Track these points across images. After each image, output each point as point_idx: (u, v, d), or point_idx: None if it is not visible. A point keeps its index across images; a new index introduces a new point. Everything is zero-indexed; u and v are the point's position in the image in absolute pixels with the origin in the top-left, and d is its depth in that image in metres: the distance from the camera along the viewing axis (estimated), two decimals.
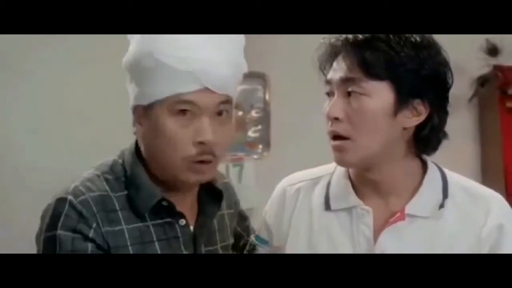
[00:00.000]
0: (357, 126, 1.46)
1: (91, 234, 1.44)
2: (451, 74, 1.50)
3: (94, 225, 1.44)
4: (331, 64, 1.50)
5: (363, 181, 1.54)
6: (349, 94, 1.46)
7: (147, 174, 1.52)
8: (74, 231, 1.43)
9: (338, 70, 1.48)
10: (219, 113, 1.49)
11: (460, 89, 3.43)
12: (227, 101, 1.50)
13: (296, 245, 1.57)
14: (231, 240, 1.69)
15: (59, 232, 1.43)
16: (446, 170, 1.57)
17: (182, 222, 1.53)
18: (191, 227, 1.55)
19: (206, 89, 1.46)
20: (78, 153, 2.77)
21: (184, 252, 1.52)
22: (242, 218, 1.80)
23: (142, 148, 1.54)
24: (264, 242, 1.65)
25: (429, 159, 1.56)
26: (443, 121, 1.51)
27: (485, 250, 1.46)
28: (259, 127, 3.61)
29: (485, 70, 3.71)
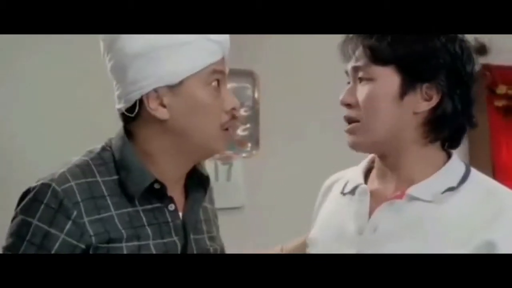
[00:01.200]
0: (366, 109, 1.51)
1: (67, 226, 1.42)
2: (470, 55, 1.50)
3: (74, 214, 1.42)
4: (352, 55, 1.55)
5: (379, 170, 1.60)
6: (360, 80, 1.53)
7: (139, 158, 1.51)
8: (50, 224, 1.42)
9: (352, 59, 1.54)
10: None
11: None
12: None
13: (314, 228, 1.70)
14: (215, 233, 1.69)
15: (35, 223, 1.42)
16: (475, 170, 1.55)
17: (172, 207, 1.53)
18: (180, 213, 1.55)
19: (223, 59, 1.53)
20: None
21: (175, 238, 1.52)
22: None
23: (144, 133, 1.52)
24: None
25: (455, 155, 1.56)
26: (458, 108, 1.50)
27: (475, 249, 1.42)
28: (248, 125, 3.61)
29: None
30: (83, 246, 1.42)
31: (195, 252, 1.56)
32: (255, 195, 3.48)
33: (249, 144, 3.61)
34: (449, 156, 1.57)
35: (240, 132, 3.60)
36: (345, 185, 1.66)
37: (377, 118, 1.50)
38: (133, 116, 1.50)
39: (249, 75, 3.58)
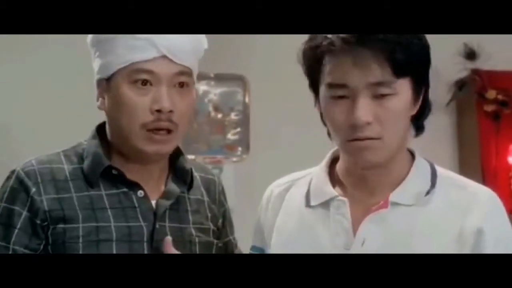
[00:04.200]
0: (388, 126, 1.42)
1: (28, 203, 1.50)
2: None
3: (33, 191, 1.50)
4: (323, 65, 1.44)
5: (349, 174, 1.52)
6: (376, 96, 1.41)
7: (102, 146, 1.57)
8: (14, 202, 1.51)
9: (360, 72, 1.40)
10: (180, 85, 1.54)
11: (438, 93, 3.45)
12: (186, 72, 1.54)
13: (277, 245, 1.55)
14: (212, 227, 1.69)
15: (3, 204, 1.52)
16: (437, 166, 1.55)
17: (141, 193, 1.56)
18: (153, 201, 1.57)
19: (164, 58, 1.51)
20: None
21: (142, 223, 1.54)
22: (230, 223, 1.82)
23: (107, 123, 1.60)
24: (260, 250, 1.62)
25: (417, 152, 1.54)
26: (428, 98, 1.51)
27: (469, 243, 1.44)
28: (238, 129, 3.61)
29: (463, 74, 3.73)
30: (38, 222, 1.49)
31: (170, 239, 1.54)
32: (246, 199, 3.47)
33: (239, 148, 3.61)
34: (411, 153, 1.54)
35: (230, 136, 3.60)
36: (308, 195, 1.55)
37: (398, 133, 1.45)
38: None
39: (239, 80, 3.58)
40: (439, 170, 1.54)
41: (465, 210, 1.46)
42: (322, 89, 1.47)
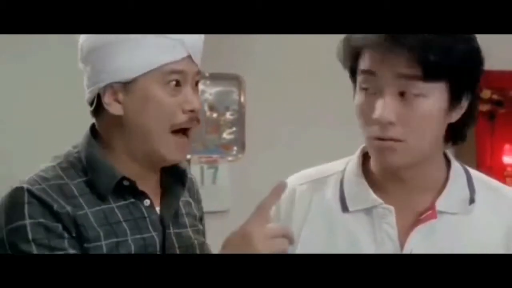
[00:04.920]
0: (414, 129, 1.36)
1: (56, 217, 1.40)
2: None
3: (56, 206, 1.41)
4: (360, 57, 1.39)
5: (389, 178, 1.45)
6: (401, 93, 1.36)
7: (105, 155, 1.50)
8: (44, 217, 1.40)
9: (390, 63, 1.34)
10: (196, 84, 1.53)
11: None
12: (200, 71, 1.53)
13: (314, 247, 1.46)
14: (200, 227, 1.67)
15: (28, 221, 1.39)
16: (466, 166, 1.52)
17: (147, 202, 1.51)
18: (157, 208, 1.54)
19: (188, 58, 1.48)
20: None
21: (153, 233, 1.50)
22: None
23: (106, 129, 1.51)
24: None
25: (450, 154, 1.51)
26: (476, 108, 1.45)
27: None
28: (234, 129, 3.61)
29: None
30: (74, 235, 1.41)
31: (176, 246, 1.54)
32: (241, 198, 3.48)
33: (235, 148, 3.61)
34: (445, 156, 1.50)
35: (226, 135, 3.60)
36: (343, 199, 1.48)
37: (425, 138, 1.38)
38: (95, 110, 1.51)
39: (235, 79, 3.58)
40: (471, 171, 1.51)
41: (506, 214, 1.45)
42: (357, 80, 1.42)
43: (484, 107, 3.76)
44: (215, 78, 3.51)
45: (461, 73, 1.37)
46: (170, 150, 1.49)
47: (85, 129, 1.56)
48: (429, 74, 1.33)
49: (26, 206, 1.40)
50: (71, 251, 1.40)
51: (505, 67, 3.68)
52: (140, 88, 1.47)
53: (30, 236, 1.39)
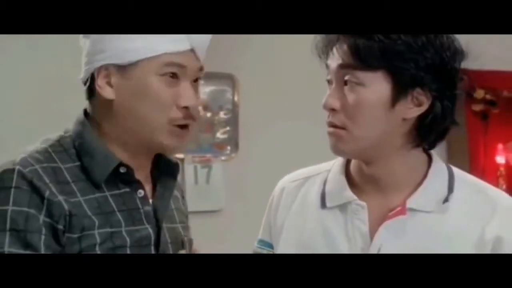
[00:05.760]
0: (353, 117, 1.41)
1: (44, 206, 1.35)
2: (457, 56, 1.45)
3: (47, 193, 1.35)
4: (331, 49, 1.45)
5: (363, 177, 1.49)
6: (345, 83, 1.41)
7: (98, 140, 1.45)
8: (28, 205, 1.34)
9: (336, 56, 1.43)
10: (195, 80, 1.48)
11: None
12: (202, 68, 1.49)
13: (287, 245, 1.54)
14: (187, 224, 1.64)
15: (12, 208, 1.33)
16: (455, 168, 1.53)
17: (141, 193, 1.47)
18: (150, 200, 1.49)
19: (191, 52, 1.44)
20: None
21: (147, 226, 1.46)
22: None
23: (98, 112, 1.47)
24: (268, 245, 1.60)
25: (435, 155, 1.51)
26: (448, 109, 1.44)
27: (487, 250, 1.42)
28: (228, 128, 3.61)
29: None
30: (61, 227, 1.36)
31: (169, 242, 1.51)
32: (235, 198, 3.48)
33: (228, 147, 3.61)
34: (429, 156, 1.51)
35: (219, 135, 3.60)
36: (323, 196, 1.52)
37: (365, 127, 1.41)
38: (88, 91, 1.46)
39: (228, 78, 3.58)
40: (457, 173, 1.52)
41: (484, 218, 1.44)
42: None
43: (477, 107, 3.77)
44: (209, 77, 3.50)
45: (399, 64, 1.39)
46: (167, 139, 1.44)
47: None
48: (361, 62, 1.39)
49: (12, 191, 1.35)
50: (43, 250, 1.34)
51: (498, 67, 3.69)
52: (136, 75, 1.42)
53: (8, 225, 1.33)
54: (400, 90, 1.40)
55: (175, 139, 1.45)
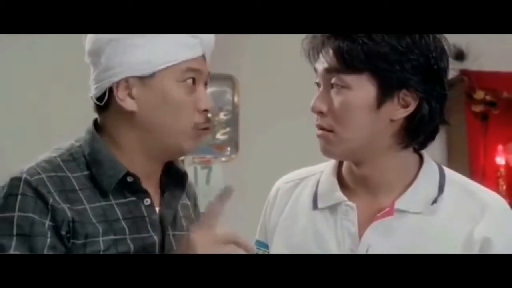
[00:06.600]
0: (340, 120, 1.43)
1: (49, 212, 1.38)
2: (445, 55, 1.44)
3: (51, 200, 1.38)
4: (317, 53, 1.47)
5: (354, 178, 1.50)
6: (332, 86, 1.43)
7: (109, 151, 1.47)
8: (34, 211, 1.37)
9: (322, 60, 1.45)
10: (205, 84, 1.52)
11: None
12: (209, 72, 1.52)
13: (279, 245, 1.56)
14: None
15: (17, 214, 1.37)
16: (446, 168, 1.53)
17: (147, 201, 1.49)
18: (157, 208, 1.51)
19: (202, 57, 1.48)
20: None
21: (152, 234, 1.48)
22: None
23: (113, 124, 1.48)
24: (264, 245, 1.61)
25: (426, 155, 1.52)
26: (435, 109, 1.44)
27: (475, 251, 1.42)
28: (228, 129, 3.62)
29: (451, 74, 3.74)
30: (63, 233, 1.38)
31: (175, 249, 1.50)
32: (234, 199, 3.48)
33: (229, 148, 3.61)
34: (420, 157, 1.52)
35: (219, 136, 3.60)
36: (315, 197, 1.54)
37: (352, 129, 1.43)
38: (103, 105, 1.47)
39: (228, 79, 3.59)
40: (448, 173, 1.52)
41: (473, 219, 1.44)
42: None
43: (477, 108, 3.77)
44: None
45: (383, 66, 1.39)
46: (190, 144, 1.48)
47: (81, 127, 1.53)
48: (346, 65, 1.40)
49: (19, 198, 1.38)
50: (48, 250, 1.37)
51: (498, 68, 3.69)
52: (157, 84, 1.45)
53: (14, 231, 1.36)
54: (385, 92, 1.41)
55: (196, 142, 1.50)
